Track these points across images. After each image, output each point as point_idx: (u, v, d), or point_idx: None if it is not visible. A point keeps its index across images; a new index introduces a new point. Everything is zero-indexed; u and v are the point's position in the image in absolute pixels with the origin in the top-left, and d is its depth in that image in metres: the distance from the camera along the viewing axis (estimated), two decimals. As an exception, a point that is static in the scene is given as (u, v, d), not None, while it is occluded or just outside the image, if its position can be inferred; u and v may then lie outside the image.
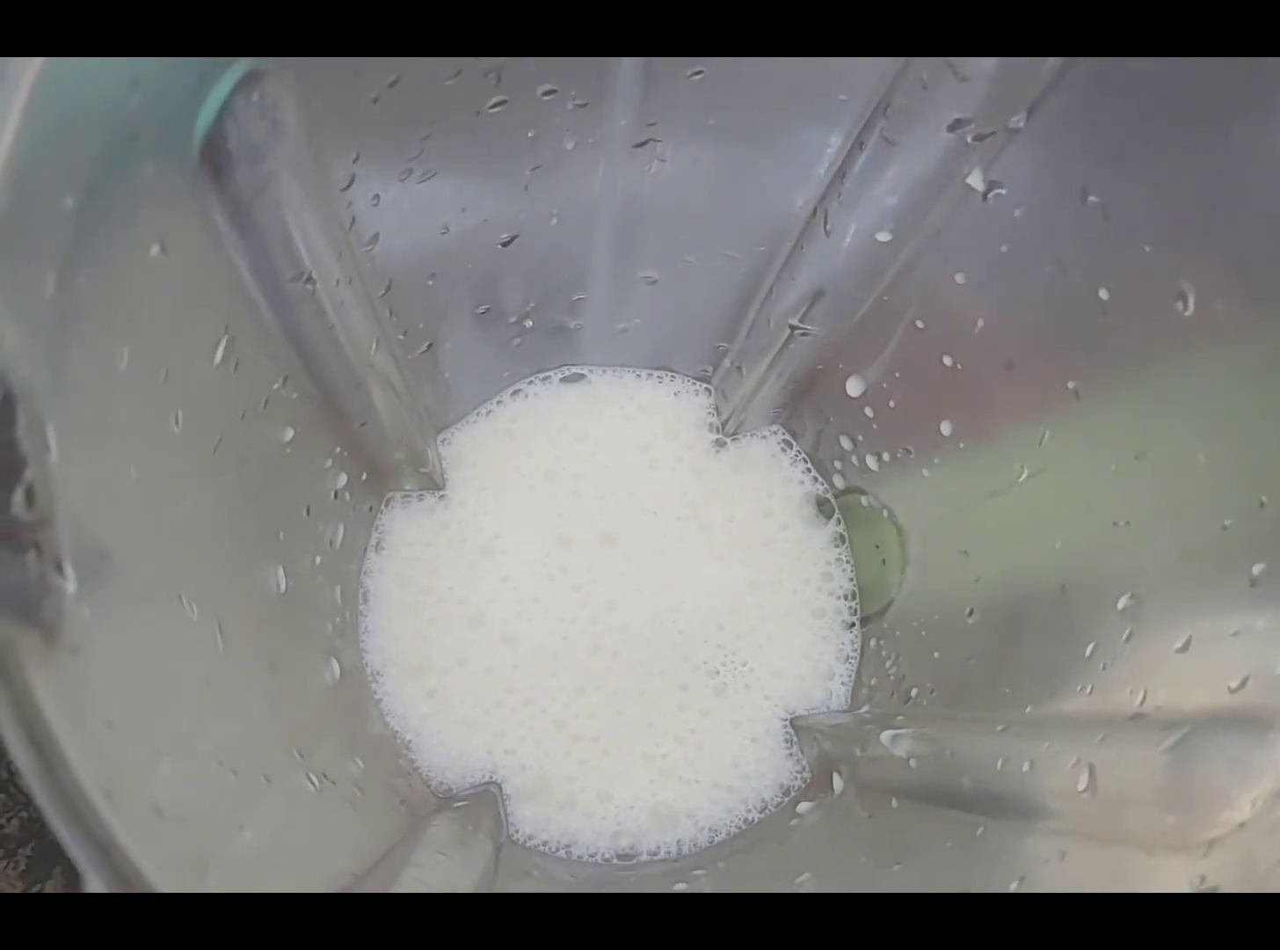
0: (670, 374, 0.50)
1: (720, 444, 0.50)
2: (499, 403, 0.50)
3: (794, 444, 0.50)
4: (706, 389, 0.50)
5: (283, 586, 0.37)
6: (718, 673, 0.46)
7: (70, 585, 0.22)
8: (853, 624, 0.47)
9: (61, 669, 0.21)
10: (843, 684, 0.47)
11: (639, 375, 0.50)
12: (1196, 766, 0.27)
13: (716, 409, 0.50)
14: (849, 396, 0.45)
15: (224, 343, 0.31)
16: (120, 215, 0.24)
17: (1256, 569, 0.27)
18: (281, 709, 0.35)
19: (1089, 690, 0.32)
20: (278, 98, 0.28)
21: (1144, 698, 0.30)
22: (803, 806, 0.43)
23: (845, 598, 0.48)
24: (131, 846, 0.20)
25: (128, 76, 0.23)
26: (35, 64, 0.21)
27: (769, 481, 0.49)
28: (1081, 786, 0.30)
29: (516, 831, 0.44)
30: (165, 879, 0.21)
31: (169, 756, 0.25)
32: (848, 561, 0.48)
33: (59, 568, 0.21)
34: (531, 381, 0.50)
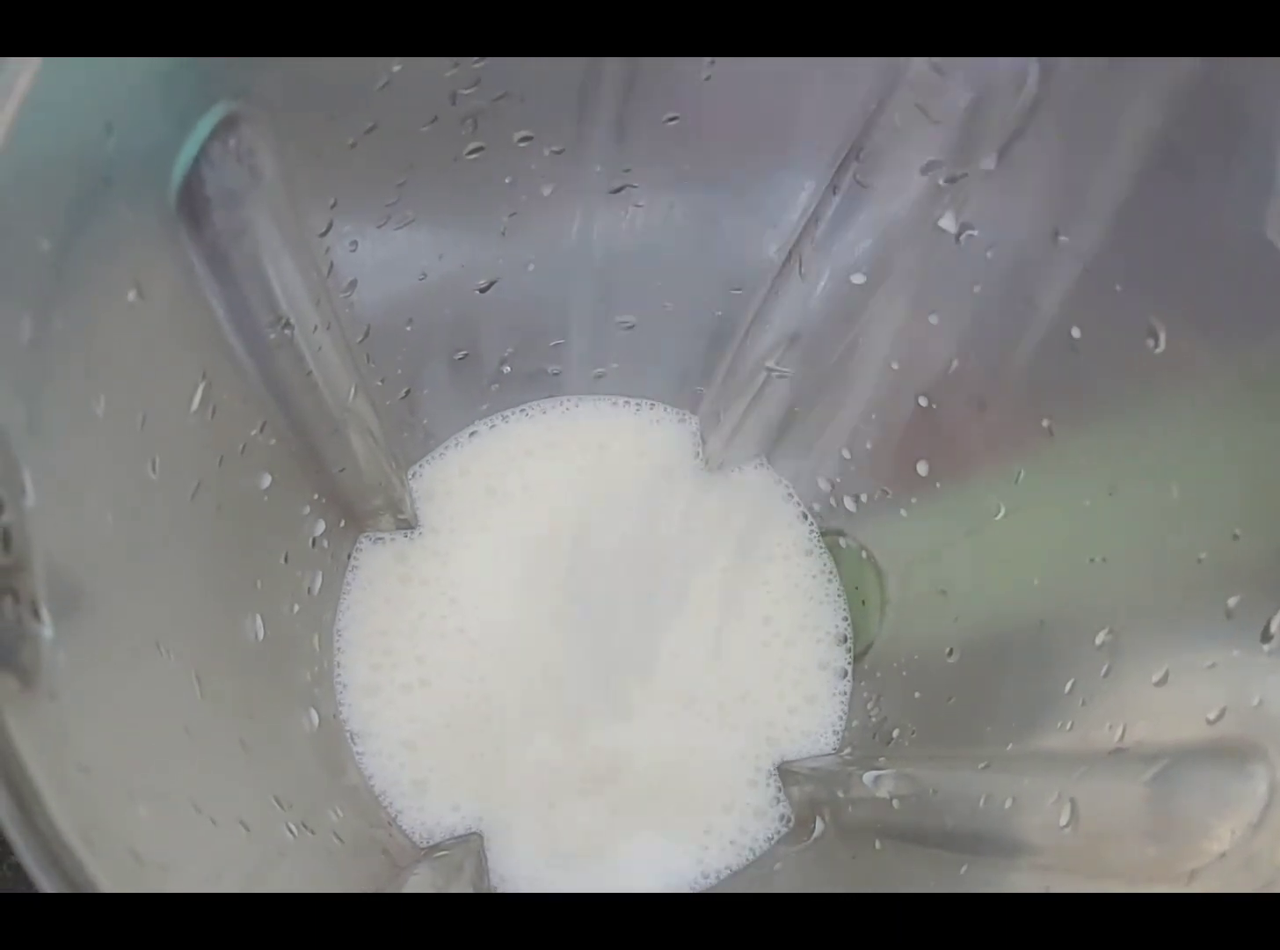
0: (650, 402, 0.50)
1: (703, 483, 0.50)
2: (473, 433, 0.49)
3: (782, 481, 0.49)
4: (687, 419, 0.50)
5: (261, 635, 0.37)
6: (703, 718, 0.46)
7: (47, 630, 0.22)
8: (845, 673, 0.47)
9: (38, 714, 0.21)
10: (835, 732, 0.46)
11: (615, 402, 0.50)
12: (1176, 799, 0.27)
13: (695, 451, 0.50)
14: (826, 439, 0.45)
15: (201, 388, 0.31)
16: (97, 259, 0.24)
17: (1232, 601, 0.27)
18: (260, 757, 0.34)
19: (1069, 726, 0.32)
20: (254, 143, 0.28)
21: (1123, 732, 0.30)
22: (787, 850, 0.43)
23: (836, 642, 0.47)
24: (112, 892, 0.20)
25: (102, 121, 0.23)
26: (9, 109, 0.21)
27: (754, 520, 0.49)
28: (1064, 822, 0.30)
29: (498, 881, 0.44)
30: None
31: (146, 802, 0.25)
32: (843, 606, 0.48)
33: (35, 613, 0.21)
34: (499, 416, 0.50)
